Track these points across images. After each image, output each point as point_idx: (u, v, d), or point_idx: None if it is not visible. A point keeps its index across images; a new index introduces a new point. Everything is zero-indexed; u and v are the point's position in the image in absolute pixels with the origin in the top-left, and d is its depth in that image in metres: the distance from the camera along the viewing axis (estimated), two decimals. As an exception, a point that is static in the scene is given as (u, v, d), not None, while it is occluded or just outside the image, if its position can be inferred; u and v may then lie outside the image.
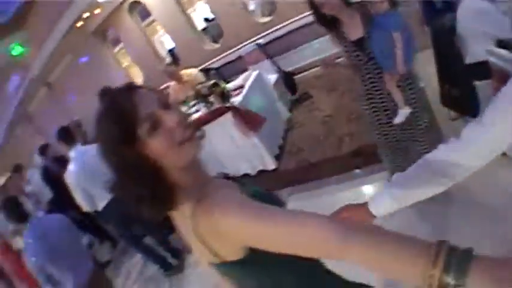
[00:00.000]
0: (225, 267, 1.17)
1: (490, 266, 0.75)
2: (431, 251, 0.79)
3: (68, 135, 4.74)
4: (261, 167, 5.39)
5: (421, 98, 3.16)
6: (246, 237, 1.05)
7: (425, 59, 3.84)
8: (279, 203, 1.34)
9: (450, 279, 0.76)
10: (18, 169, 7.22)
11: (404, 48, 2.81)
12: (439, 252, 0.78)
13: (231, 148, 5.32)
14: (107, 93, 1.12)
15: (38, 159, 7.23)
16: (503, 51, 3.00)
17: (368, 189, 3.98)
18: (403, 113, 3.05)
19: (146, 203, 1.12)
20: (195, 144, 1.15)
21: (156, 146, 1.09)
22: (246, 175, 5.55)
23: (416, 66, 4.00)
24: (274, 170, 5.30)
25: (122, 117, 1.06)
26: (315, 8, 2.94)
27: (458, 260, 0.77)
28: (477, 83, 3.41)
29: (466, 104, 3.54)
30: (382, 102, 3.15)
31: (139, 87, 1.18)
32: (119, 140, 1.07)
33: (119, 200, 3.60)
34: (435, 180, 1.30)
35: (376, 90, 3.12)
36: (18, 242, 6.00)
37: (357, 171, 4.25)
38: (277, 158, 5.42)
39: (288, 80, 6.44)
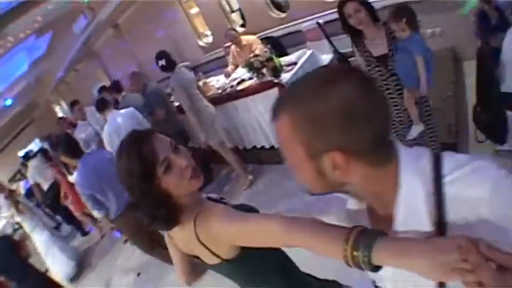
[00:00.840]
0: (223, 266, 1.57)
1: (391, 243, 0.96)
2: (346, 233, 1.03)
3: (103, 105, 5.73)
4: (297, 144, 5.71)
5: (435, 117, 3.32)
6: (230, 236, 1.45)
7: (472, 69, 3.88)
8: (254, 211, 1.70)
9: (359, 253, 0.97)
10: (75, 103, 7.78)
11: (426, 70, 3.01)
12: (350, 234, 1.02)
13: (273, 121, 5.68)
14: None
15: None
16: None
17: None
18: (416, 129, 3.25)
19: (160, 221, 1.54)
20: (199, 179, 1.54)
21: (170, 182, 1.48)
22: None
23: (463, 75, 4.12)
24: None
25: (144, 160, 1.44)
26: (343, 17, 3.11)
27: (366, 238, 0.98)
28: (509, 112, 3.50)
29: (493, 130, 3.61)
30: (398, 116, 3.32)
31: (158, 132, 1.57)
32: (141, 177, 1.45)
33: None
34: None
35: (394, 105, 3.28)
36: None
37: None
38: None
39: (342, 61, 6.58)
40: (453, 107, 4.62)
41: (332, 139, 0.95)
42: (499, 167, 0.96)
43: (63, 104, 17.23)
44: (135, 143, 1.48)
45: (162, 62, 5.53)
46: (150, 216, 1.54)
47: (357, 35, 3.21)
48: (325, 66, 1.01)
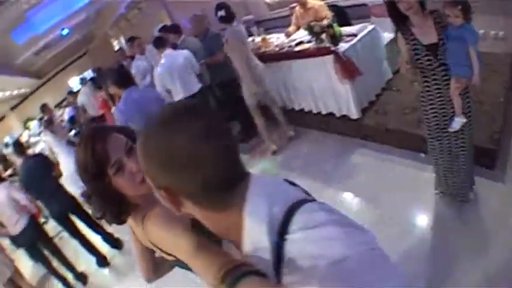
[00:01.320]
0: (181, 262, 1.51)
1: (255, 285, 0.95)
2: (223, 263, 1.07)
3: (160, 43, 6.09)
4: (345, 113, 5.91)
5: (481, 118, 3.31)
6: (158, 240, 1.51)
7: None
8: None
9: (223, 287, 1.01)
10: (134, 39, 8.10)
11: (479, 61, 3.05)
12: (226, 265, 1.06)
13: (326, 86, 5.88)
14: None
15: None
16: None
17: (424, 176, 4.31)
18: (459, 121, 3.30)
19: (109, 215, 1.62)
20: (147, 184, 1.56)
21: (120, 183, 1.55)
22: (331, 114, 6.18)
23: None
24: (355, 120, 5.77)
25: (95, 158, 1.50)
26: (392, 1, 3.10)
27: (235, 274, 1.00)
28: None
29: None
30: (442, 108, 3.36)
31: (117, 131, 1.62)
32: (93, 174, 1.51)
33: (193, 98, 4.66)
34: None
35: (439, 96, 3.33)
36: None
37: (422, 155, 4.56)
38: (364, 110, 5.81)
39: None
40: (502, 114, 4.61)
41: (159, 179, 1.02)
42: (352, 240, 0.93)
43: (122, 39, 17.59)
44: (91, 140, 1.54)
45: (222, 13, 5.73)
46: (101, 210, 1.62)
47: (402, 22, 3.23)
48: (180, 102, 1.03)
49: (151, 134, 1.02)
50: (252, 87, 5.81)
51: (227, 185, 1.01)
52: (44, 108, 9.98)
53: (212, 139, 0.97)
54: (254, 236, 1.00)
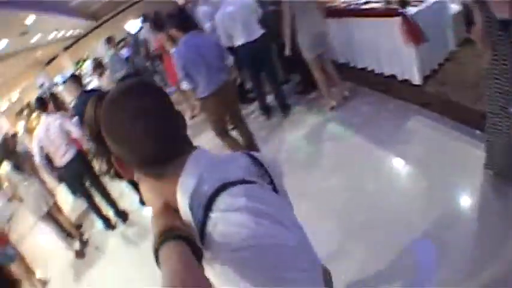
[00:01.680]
0: None
1: (172, 254, 0.97)
2: (163, 227, 1.08)
3: None
4: (407, 77, 5.94)
5: None
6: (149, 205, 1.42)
7: None
8: None
9: (155, 241, 1.02)
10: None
11: None
12: (161, 228, 1.07)
13: (391, 47, 5.90)
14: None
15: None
16: None
17: (476, 153, 4.06)
18: None
19: (112, 172, 1.63)
20: None
21: None
22: (393, 76, 6.25)
23: None
24: (416, 86, 5.80)
25: (97, 122, 1.46)
26: None
27: (166, 236, 1.02)
28: None
29: None
30: (507, 86, 3.26)
31: None
32: (95, 135, 1.50)
33: (252, 45, 5.42)
34: None
35: (505, 73, 3.22)
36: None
37: (477, 132, 4.40)
38: (425, 78, 5.82)
39: (469, 15, 6.50)
40: None
41: (112, 148, 1.17)
42: (261, 232, 0.97)
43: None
44: (93, 104, 1.55)
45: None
46: (105, 166, 1.64)
47: None
48: (132, 80, 1.04)
49: (105, 107, 1.14)
50: (306, 47, 5.97)
51: (162, 161, 1.13)
52: (110, 40, 10.30)
53: (141, 120, 1.08)
54: (182, 208, 1.10)
